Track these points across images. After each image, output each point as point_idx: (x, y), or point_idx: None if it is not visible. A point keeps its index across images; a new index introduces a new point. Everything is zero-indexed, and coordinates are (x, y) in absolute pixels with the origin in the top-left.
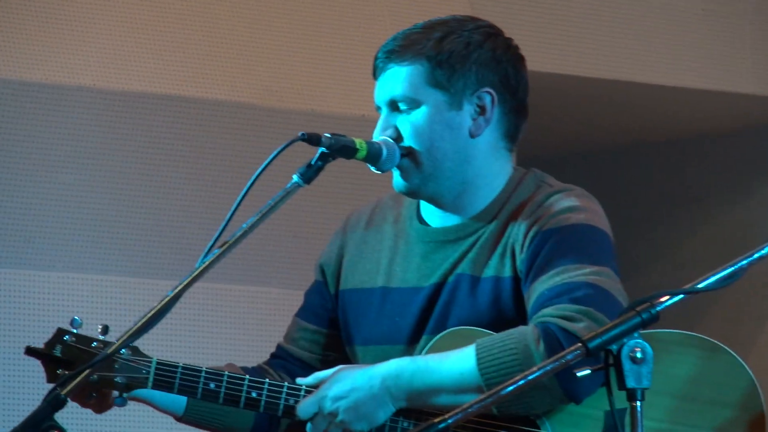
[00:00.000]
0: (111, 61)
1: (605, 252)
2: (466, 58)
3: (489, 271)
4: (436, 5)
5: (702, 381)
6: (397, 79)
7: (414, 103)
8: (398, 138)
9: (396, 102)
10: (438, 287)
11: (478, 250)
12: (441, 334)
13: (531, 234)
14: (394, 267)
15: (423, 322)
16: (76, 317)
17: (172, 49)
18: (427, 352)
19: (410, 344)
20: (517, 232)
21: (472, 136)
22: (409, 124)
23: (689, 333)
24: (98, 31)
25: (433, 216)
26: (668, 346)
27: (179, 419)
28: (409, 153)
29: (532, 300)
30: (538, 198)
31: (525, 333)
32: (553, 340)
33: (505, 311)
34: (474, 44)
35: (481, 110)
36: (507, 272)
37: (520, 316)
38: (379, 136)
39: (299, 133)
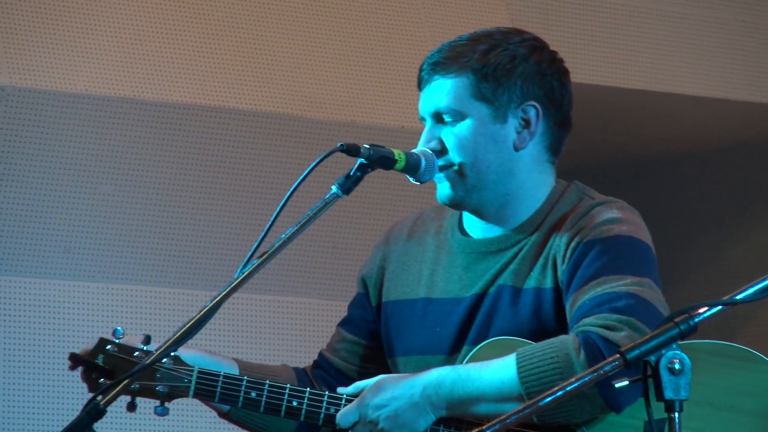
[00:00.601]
0: (153, 73)
1: (646, 263)
2: (511, 71)
3: (530, 282)
4: (475, 17)
5: (741, 391)
6: (442, 91)
7: (459, 116)
8: (443, 150)
9: (441, 114)
10: (479, 298)
11: (519, 261)
12: (482, 344)
13: (573, 245)
14: (436, 278)
15: (464, 333)
16: (118, 327)
17: (213, 61)
18: (468, 362)
19: (451, 354)
20: (559, 244)
21: (516, 149)
22: (453, 136)
23: (728, 343)
24: (140, 42)
25: (475, 227)
26: (707, 357)
27: (223, 415)
28: (453, 165)
29: (573, 310)
30: (580, 210)
31: (566, 342)
32: (594, 349)
33: (546, 322)
34: (519, 57)
35: (526, 123)
36: (548, 283)
37: (561, 327)
38: (422, 147)
39: (338, 144)
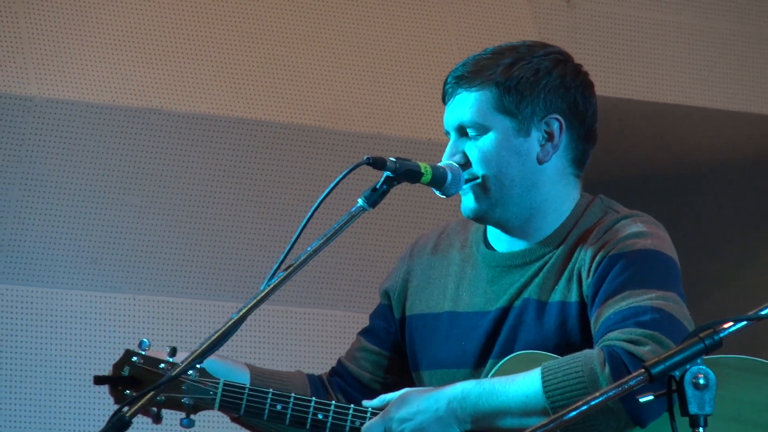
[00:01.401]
0: (180, 84)
1: (671, 277)
2: (534, 84)
3: (556, 296)
4: (503, 30)
5: (766, 406)
6: (465, 105)
7: (482, 129)
8: (466, 163)
9: (464, 127)
10: (504, 311)
11: (545, 275)
12: (507, 358)
13: (598, 259)
14: (461, 292)
15: (489, 346)
16: (144, 339)
17: (240, 72)
18: (493, 376)
19: (476, 368)
20: (584, 258)
21: (539, 162)
22: (477, 149)
23: (753, 358)
24: (167, 54)
25: (500, 241)
26: (732, 372)
27: (235, 419)
28: (476, 178)
29: (598, 324)
30: (605, 224)
31: (591, 356)
32: (619, 363)
33: (572, 336)
34: (543, 71)
35: (549, 136)
36: (573, 297)
37: (586, 341)
38: (447, 160)
39: (365, 157)
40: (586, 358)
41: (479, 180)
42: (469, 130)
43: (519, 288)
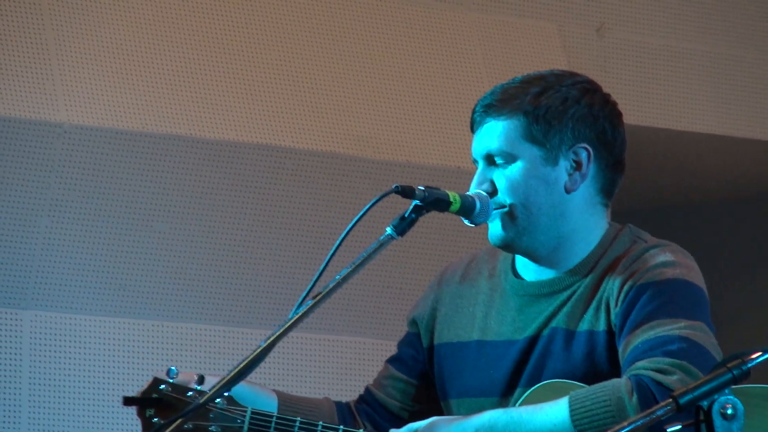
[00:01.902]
0: (208, 111)
1: (700, 307)
2: (563, 113)
3: (584, 325)
4: (532, 59)
5: None
6: (493, 134)
7: (510, 158)
8: (494, 192)
9: (492, 156)
10: (533, 340)
11: (573, 304)
12: (535, 387)
13: (626, 288)
14: (489, 321)
15: (517, 375)
16: (172, 367)
17: (269, 100)
18: (521, 405)
19: (504, 397)
20: (612, 287)
21: (567, 191)
22: (504, 178)
23: None
24: (196, 81)
25: (528, 270)
26: (760, 401)
27: None
28: (504, 207)
29: (627, 353)
30: (634, 253)
31: (618, 385)
32: (647, 392)
33: (599, 365)
34: (571, 100)
35: (577, 165)
36: (601, 326)
37: (614, 370)
38: (474, 189)
39: (393, 186)
40: (613, 387)
41: (507, 209)
42: (497, 159)
43: (547, 317)
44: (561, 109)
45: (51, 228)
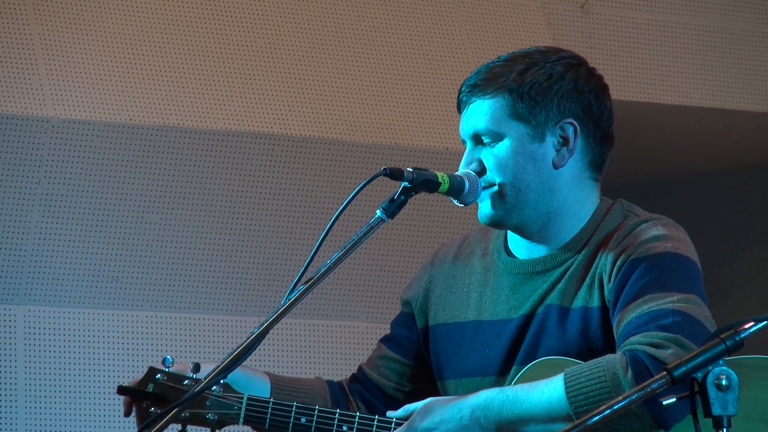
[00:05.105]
0: (195, 101)
1: (693, 280)
2: (548, 89)
3: (578, 302)
4: (517, 37)
5: None
6: (479, 113)
7: (497, 137)
8: (482, 171)
9: (479, 135)
10: (527, 318)
11: (567, 280)
12: (530, 365)
13: (618, 263)
14: (485, 300)
15: (513, 354)
16: (167, 356)
17: (256, 88)
18: (517, 383)
19: (501, 376)
20: (605, 262)
21: (555, 167)
22: (492, 157)
23: None
24: (183, 71)
25: (521, 247)
26: (755, 372)
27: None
28: (493, 185)
29: (620, 328)
30: (626, 228)
31: (613, 361)
32: (641, 367)
33: (594, 341)
34: (556, 75)
35: (564, 141)
36: (595, 302)
37: (608, 346)
38: (463, 169)
39: (382, 168)
40: (608, 362)
41: (496, 187)
42: (484, 138)
43: (541, 294)
44: (546, 86)
45: (42, 223)
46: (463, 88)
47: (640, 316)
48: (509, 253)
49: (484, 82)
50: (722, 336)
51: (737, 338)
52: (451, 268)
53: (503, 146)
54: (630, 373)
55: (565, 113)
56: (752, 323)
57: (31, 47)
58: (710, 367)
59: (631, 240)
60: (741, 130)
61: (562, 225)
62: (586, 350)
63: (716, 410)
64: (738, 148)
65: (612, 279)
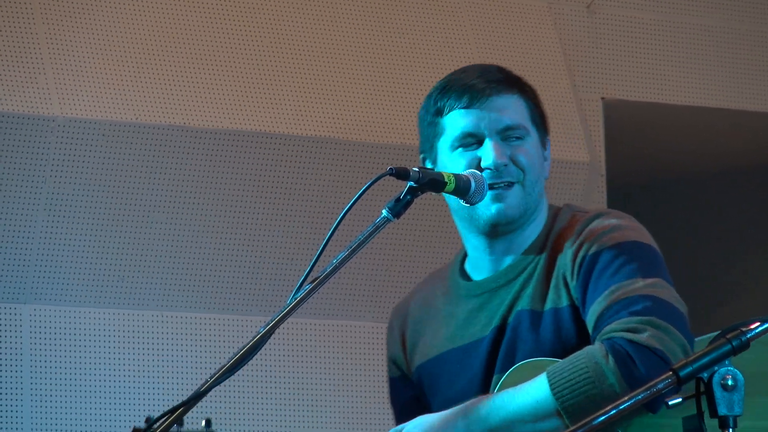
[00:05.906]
0: (202, 100)
1: (654, 264)
2: (541, 106)
3: (548, 304)
4: (523, 37)
5: None
6: (510, 107)
7: (526, 132)
8: (508, 165)
9: (511, 129)
10: (500, 330)
11: (534, 284)
12: (509, 371)
13: (578, 259)
14: (455, 329)
15: (491, 366)
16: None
17: (263, 87)
18: (499, 390)
19: (485, 391)
20: (565, 261)
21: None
22: (523, 151)
23: None
24: (190, 70)
25: (485, 265)
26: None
27: None
28: (520, 180)
29: (593, 322)
30: (579, 224)
31: (593, 351)
32: (621, 353)
33: (569, 340)
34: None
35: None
36: (564, 302)
37: (583, 343)
38: (495, 160)
39: (388, 168)
40: (588, 354)
41: (523, 181)
42: (515, 132)
43: (509, 304)
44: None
45: (48, 222)
46: (481, 83)
47: (611, 307)
48: (468, 278)
49: (507, 80)
50: (728, 336)
51: (743, 338)
52: (418, 316)
53: (530, 143)
54: (611, 360)
55: (547, 129)
56: (758, 323)
57: (37, 46)
58: (716, 368)
59: (587, 235)
60: (747, 130)
61: (528, 228)
62: (561, 351)
63: (722, 410)
64: (744, 149)
65: (575, 276)
